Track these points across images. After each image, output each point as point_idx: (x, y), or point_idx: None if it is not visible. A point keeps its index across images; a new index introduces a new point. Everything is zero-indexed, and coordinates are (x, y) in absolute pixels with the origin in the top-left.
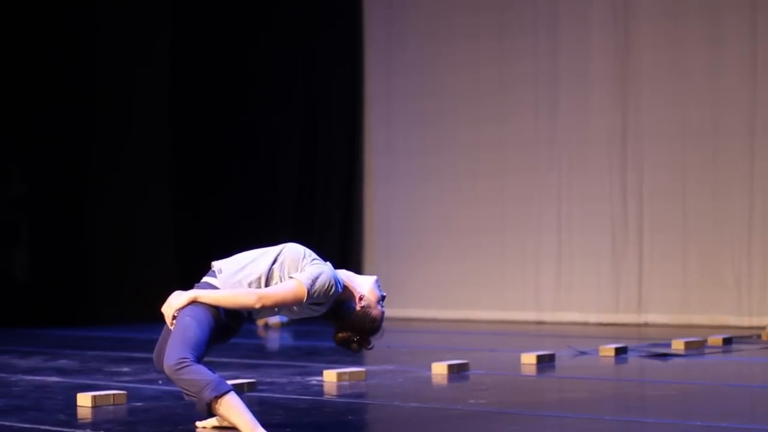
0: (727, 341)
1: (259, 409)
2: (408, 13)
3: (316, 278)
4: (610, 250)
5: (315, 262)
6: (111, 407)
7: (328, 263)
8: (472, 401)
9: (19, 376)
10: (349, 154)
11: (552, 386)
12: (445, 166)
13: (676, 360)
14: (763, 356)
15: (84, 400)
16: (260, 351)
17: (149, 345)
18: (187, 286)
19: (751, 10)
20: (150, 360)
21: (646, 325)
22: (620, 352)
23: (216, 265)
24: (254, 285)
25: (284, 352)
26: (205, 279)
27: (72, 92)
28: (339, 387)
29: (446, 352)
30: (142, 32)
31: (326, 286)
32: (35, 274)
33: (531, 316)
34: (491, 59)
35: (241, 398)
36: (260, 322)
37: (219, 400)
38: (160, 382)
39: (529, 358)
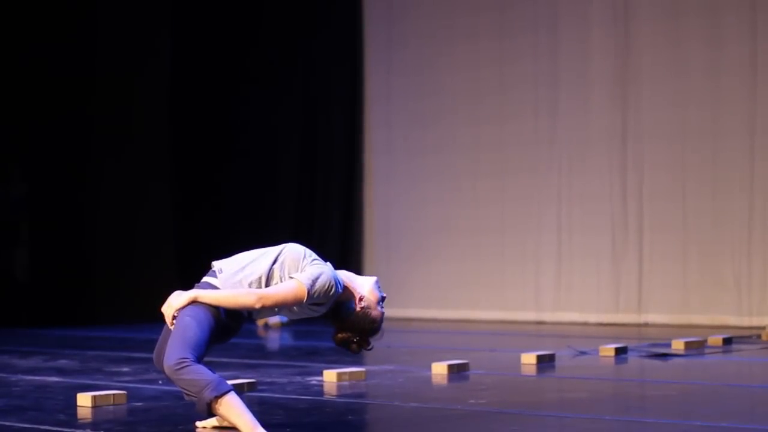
0: (727, 341)
1: (259, 409)
2: (408, 13)
3: (317, 278)
4: (610, 250)
5: (315, 262)
6: (111, 407)
7: (328, 263)
8: (472, 401)
9: (19, 376)
10: (349, 154)
11: (552, 386)
12: (445, 166)
13: (676, 360)
14: (763, 356)
15: (84, 400)
16: (260, 351)
17: (149, 345)
18: (187, 286)
19: (751, 10)
20: (150, 360)
21: (646, 325)
22: (620, 352)
23: (216, 265)
24: (254, 285)
25: (284, 352)
26: (206, 279)
27: (72, 92)
28: (339, 387)
29: (446, 352)
30: (142, 32)
31: (326, 287)
32: (35, 274)
33: (531, 316)
34: (491, 59)
35: (241, 398)
36: (260, 322)
37: (219, 400)
38: (160, 382)
39: (529, 358)
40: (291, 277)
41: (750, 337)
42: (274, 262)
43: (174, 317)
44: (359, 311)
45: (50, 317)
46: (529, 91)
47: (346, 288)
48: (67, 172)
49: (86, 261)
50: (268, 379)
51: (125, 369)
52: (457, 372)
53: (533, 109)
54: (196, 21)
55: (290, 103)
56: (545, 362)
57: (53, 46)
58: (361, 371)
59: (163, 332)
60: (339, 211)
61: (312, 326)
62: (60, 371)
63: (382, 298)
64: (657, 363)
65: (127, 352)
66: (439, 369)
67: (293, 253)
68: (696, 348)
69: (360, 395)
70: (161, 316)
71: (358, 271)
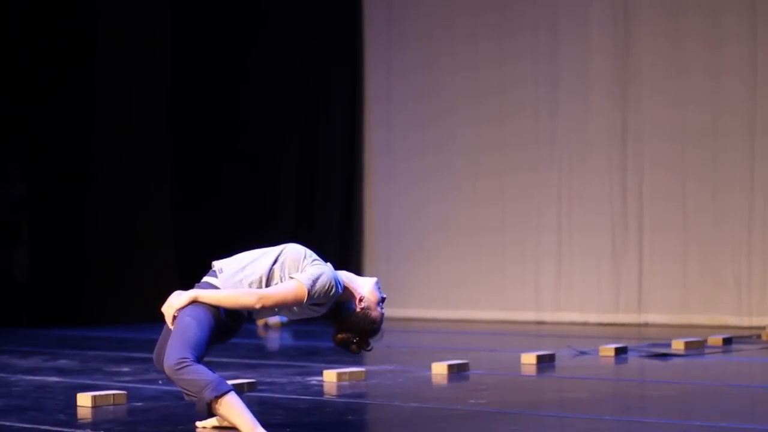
0: (727, 341)
1: (259, 409)
2: (408, 13)
3: (317, 279)
4: (610, 250)
5: (316, 262)
6: (111, 407)
7: (328, 264)
8: (472, 401)
9: (19, 376)
10: (349, 154)
11: (552, 386)
12: (445, 166)
13: (676, 360)
14: (763, 356)
15: (84, 400)
16: (260, 351)
17: (149, 345)
18: (187, 286)
19: (751, 10)
20: (150, 360)
21: (646, 325)
22: (620, 352)
23: (216, 264)
24: (255, 285)
25: (284, 352)
26: (206, 279)
27: (72, 92)
28: (339, 387)
29: (446, 352)
30: (142, 32)
31: (326, 287)
32: (35, 274)
33: (531, 316)
34: (491, 59)
35: (241, 398)
36: (260, 322)
37: (219, 400)
38: (160, 382)
39: (529, 358)
40: (291, 278)
41: (750, 337)
42: (275, 262)
43: (174, 317)
44: (359, 312)
45: (50, 317)
46: (529, 91)
47: (346, 288)
48: (67, 172)
49: (86, 261)
50: (268, 379)
51: (125, 369)
52: (457, 372)
53: (533, 109)
54: (196, 21)
55: (290, 103)
56: (545, 362)
57: (54, 46)
58: (361, 371)
59: (163, 332)
60: (339, 211)
61: (312, 326)
62: (60, 371)
63: (382, 299)
64: (657, 363)
65: (127, 352)
66: (439, 369)
67: (293, 253)
68: (696, 348)
69: (360, 395)
70: (161, 316)
71: (358, 271)
